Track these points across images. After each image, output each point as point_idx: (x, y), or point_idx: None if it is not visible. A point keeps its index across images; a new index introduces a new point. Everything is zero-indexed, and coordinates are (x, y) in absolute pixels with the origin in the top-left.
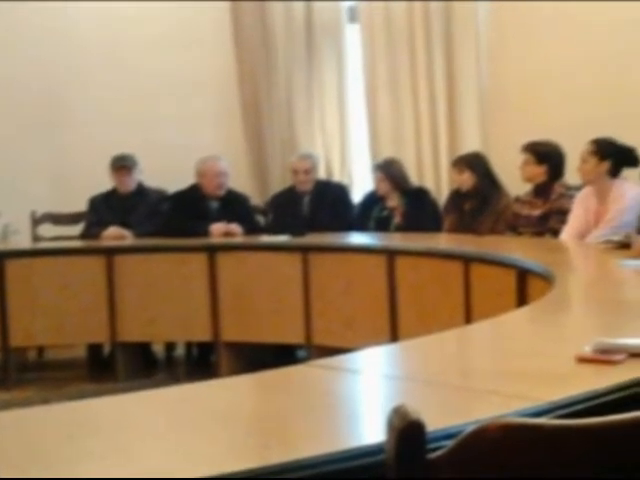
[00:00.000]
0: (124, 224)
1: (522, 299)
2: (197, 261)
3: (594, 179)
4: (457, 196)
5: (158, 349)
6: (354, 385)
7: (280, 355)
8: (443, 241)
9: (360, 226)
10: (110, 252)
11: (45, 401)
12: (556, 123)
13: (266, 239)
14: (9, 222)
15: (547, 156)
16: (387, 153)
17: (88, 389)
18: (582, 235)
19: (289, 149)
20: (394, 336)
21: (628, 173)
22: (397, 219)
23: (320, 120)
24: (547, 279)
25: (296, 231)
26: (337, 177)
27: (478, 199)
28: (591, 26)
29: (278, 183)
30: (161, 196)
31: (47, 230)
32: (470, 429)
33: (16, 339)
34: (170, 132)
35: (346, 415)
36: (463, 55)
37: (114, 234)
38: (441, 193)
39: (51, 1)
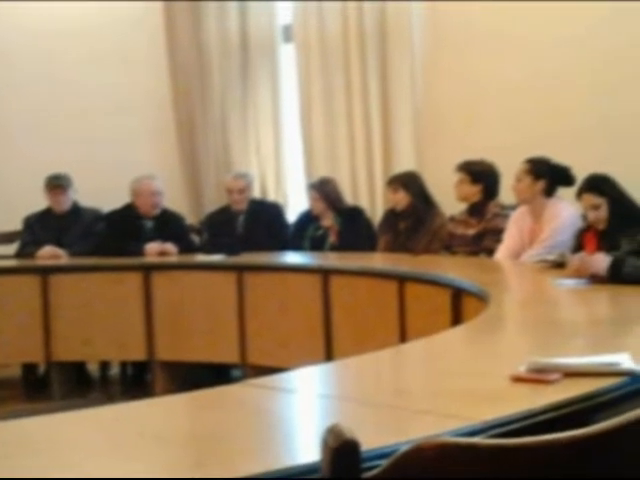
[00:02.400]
0: (59, 243)
1: (457, 318)
2: (132, 280)
3: (529, 198)
4: (392, 215)
5: (93, 368)
6: (289, 404)
7: (215, 374)
8: (378, 260)
9: (295, 245)
10: (45, 271)
11: None
12: (490, 143)
13: (201, 258)
14: None
15: (482, 175)
16: (322, 172)
17: (23, 408)
18: (517, 254)
19: (224, 168)
20: (329, 355)
21: (563, 192)
22: (332, 238)
23: (255, 139)
24: (482, 298)
25: (231, 250)
26: (272, 196)
27: (413, 218)
28: (525, 46)
29: (213, 202)
30: (96, 215)
31: None
32: (405, 448)
33: None
34: (105, 151)
35: (281, 434)
36: (398, 75)
37: (49, 253)
38: (376, 212)
39: None
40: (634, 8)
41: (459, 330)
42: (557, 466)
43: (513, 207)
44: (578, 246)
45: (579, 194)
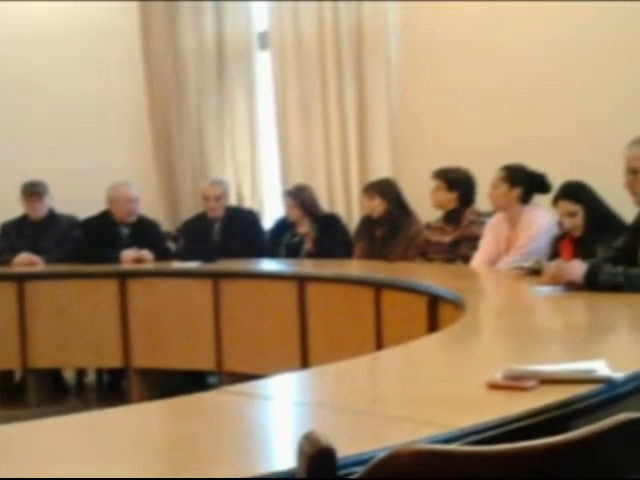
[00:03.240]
0: (35, 250)
1: (433, 325)
2: (108, 287)
3: (505, 205)
4: (368, 222)
5: (69, 375)
6: (265, 411)
7: (191, 381)
8: (354, 267)
9: (271, 252)
10: (21, 278)
11: None
12: (467, 149)
13: (177, 265)
14: None
15: (458, 182)
16: (298, 179)
17: None
18: (493, 261)
19: (200, 175)
20: (305, 362)
21: (539, 199)
22: (308, 245)
23: (231, 146)
24: (458, 305)
25: (207, 257)
26: (248, 203)
27: (389, 225)
28: (501, 53)
29: (189, 209)
30: (72, 222)
31: None
32: (381, 455)
33: None
34: (81, 158)
35: (257, 441)
36: (374, 82)
37: (25, 260)
38: (352, 219)
39: None
40: (611, 17)
41: (435, 337)
42: (533, 473)
43: (489, 214)
44: (554, 253)
45: (555, 201)
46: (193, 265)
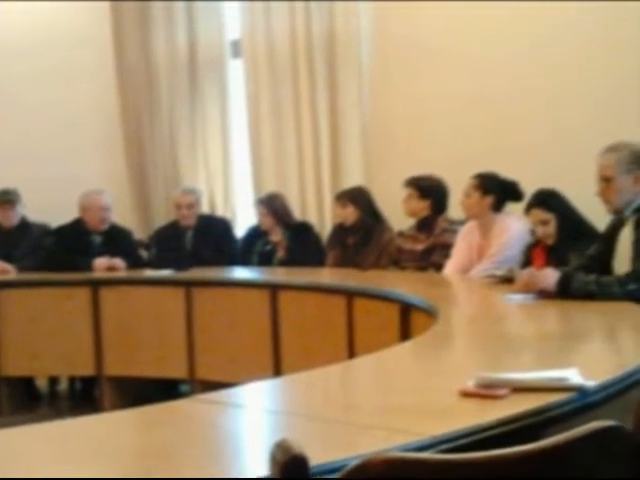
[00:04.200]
0: (7, 258)
1: (405, 334)
2: (80, 296)
3: (477, 213)
4: (340, 231)
5: (42, 383)
6: (237, 419)
7: (163, 390)
8: (326, 276)
9: (243, 261)
10: None
11: None
12: (439, 158)
13: (149, 274)
14: None
15: (430, 191)
16: (270, 187)
17: None
18: (465, 269)
19: (172, 183)
20: (277, 370)
21: (511, 207)
22: (280, 253)
23: (203, 154)
24: (430, 314)
25: (179, 265)
26: (220, 211)
27: (361, 234)
28: (473, 61)
29: (161, 217)
30: (44, 230)
31: None
32: (353, 463)
33: None
34: (53, 166)
35: (230, 449)
36: (346, 90)
37: None
38: (324, 228)
39: None
40: (582, 25)
41: (408, 345)
42: None
43: (462, 222)
44: (527, 261)
45: (528, 209)
46: (165, 273)
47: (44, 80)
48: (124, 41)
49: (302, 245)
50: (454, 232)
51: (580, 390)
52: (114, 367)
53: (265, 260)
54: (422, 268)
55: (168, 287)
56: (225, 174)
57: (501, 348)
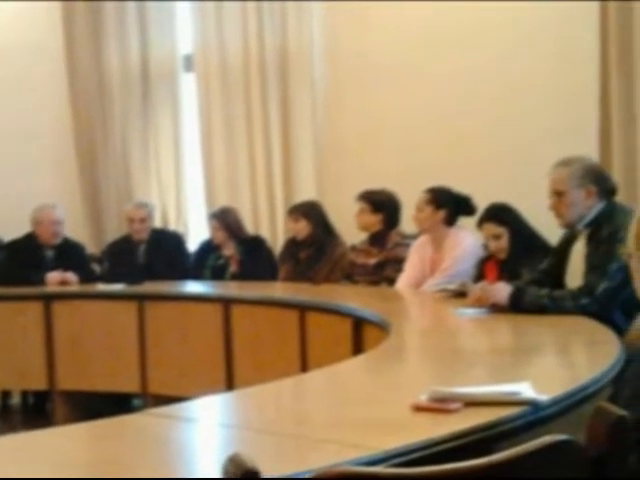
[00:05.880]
0: None
1: (358, 348)
2: (33, 310)
3: (430, 227)
4: (293, 245)
5: None
6: (190, 433)
7: (115, 404)
8: (279, 290)
9: (196, 275)
10: None
11: None
12: (391, 172)
13: (102, 288)
14: None
15: (382, 205)
16: (223, 202)
17: None
18: (418, 283)
19: (125, 197)
20: (230, 385)
21: (464, 221)
22: (233, 268)
23: (156, 169)
24: (383, 328)
25: (132, 280)
26: (173, 226)
27: (314, 248)
28: (425, 77)
29: (114, 231)
30: None
31: None
32: (305, 477)
33: None
34: (5, 180)
35: (182, 463)
36: (298, 104)
37: None
38: (277, 242)
39: None
40: (534, 42)
41: (360, 359)
42: None
43: (414, 236)
44: (479, 275)
45: (480, 223)
46: (118, 287)
47: None
48: (76, 54)
49: (255, 259)
50: (407, 246)
51: (532, 404)
52: (67, 381)
53: (218, 274)
54: (375, 282)
55: (120, 301)
56: (177, 188)
57: (453, 362)
